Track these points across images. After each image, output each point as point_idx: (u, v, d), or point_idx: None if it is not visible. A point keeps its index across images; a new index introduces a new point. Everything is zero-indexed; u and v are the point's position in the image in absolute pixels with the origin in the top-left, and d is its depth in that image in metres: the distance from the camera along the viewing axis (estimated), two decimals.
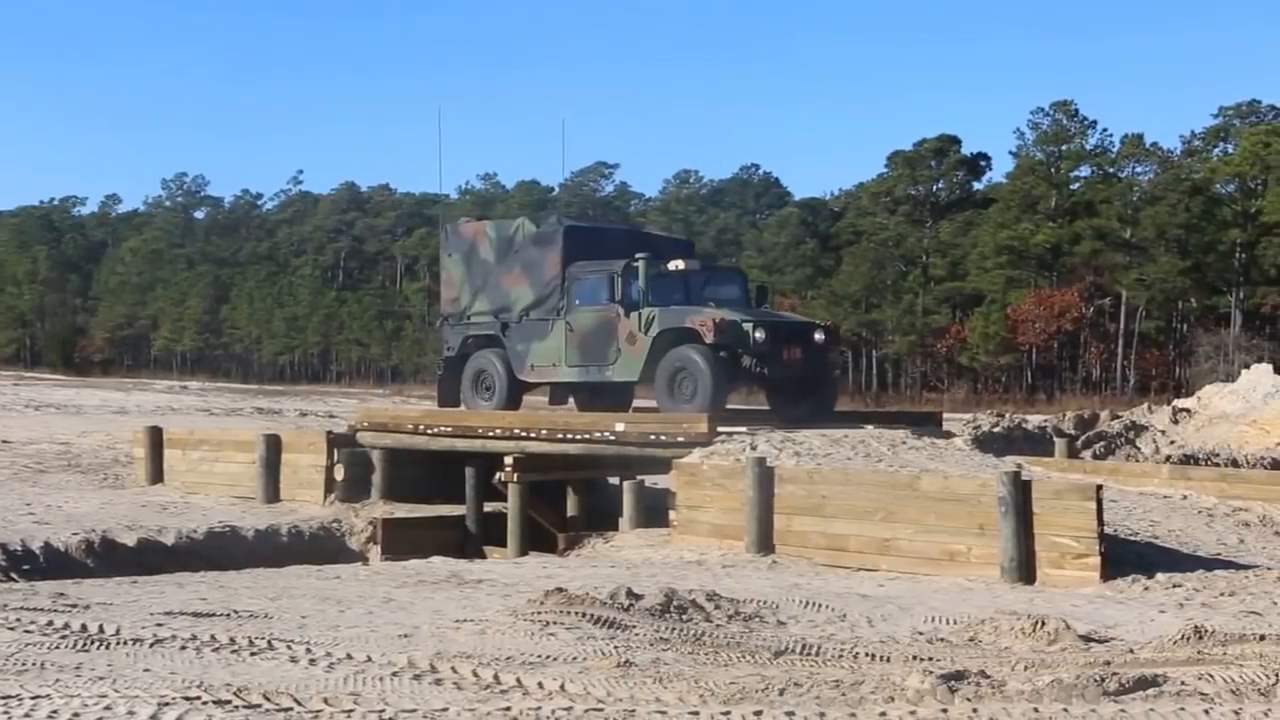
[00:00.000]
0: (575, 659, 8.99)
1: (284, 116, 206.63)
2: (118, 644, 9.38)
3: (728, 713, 7.50)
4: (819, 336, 20.17)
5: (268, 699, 7.67)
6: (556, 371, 21.56)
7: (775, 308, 23.46)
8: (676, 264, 20.73)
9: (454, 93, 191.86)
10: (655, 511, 18.06)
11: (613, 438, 19.35)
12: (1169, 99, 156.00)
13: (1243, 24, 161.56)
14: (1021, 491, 14.00)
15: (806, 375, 20.01)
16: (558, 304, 21.32)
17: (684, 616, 10.88)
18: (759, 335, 19.19)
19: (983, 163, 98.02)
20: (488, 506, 20.82)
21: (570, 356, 21.17)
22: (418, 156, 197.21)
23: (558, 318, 21.29)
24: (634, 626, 10.30)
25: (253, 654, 9.05)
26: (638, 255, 20.57)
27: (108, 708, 7.36)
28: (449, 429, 21.46)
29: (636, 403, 23.21)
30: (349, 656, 8.91)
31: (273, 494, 22.41)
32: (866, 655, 9.45)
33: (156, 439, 24.75)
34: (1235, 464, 23.11)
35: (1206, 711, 7.45)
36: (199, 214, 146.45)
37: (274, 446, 22.71)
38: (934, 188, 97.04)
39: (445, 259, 23.40)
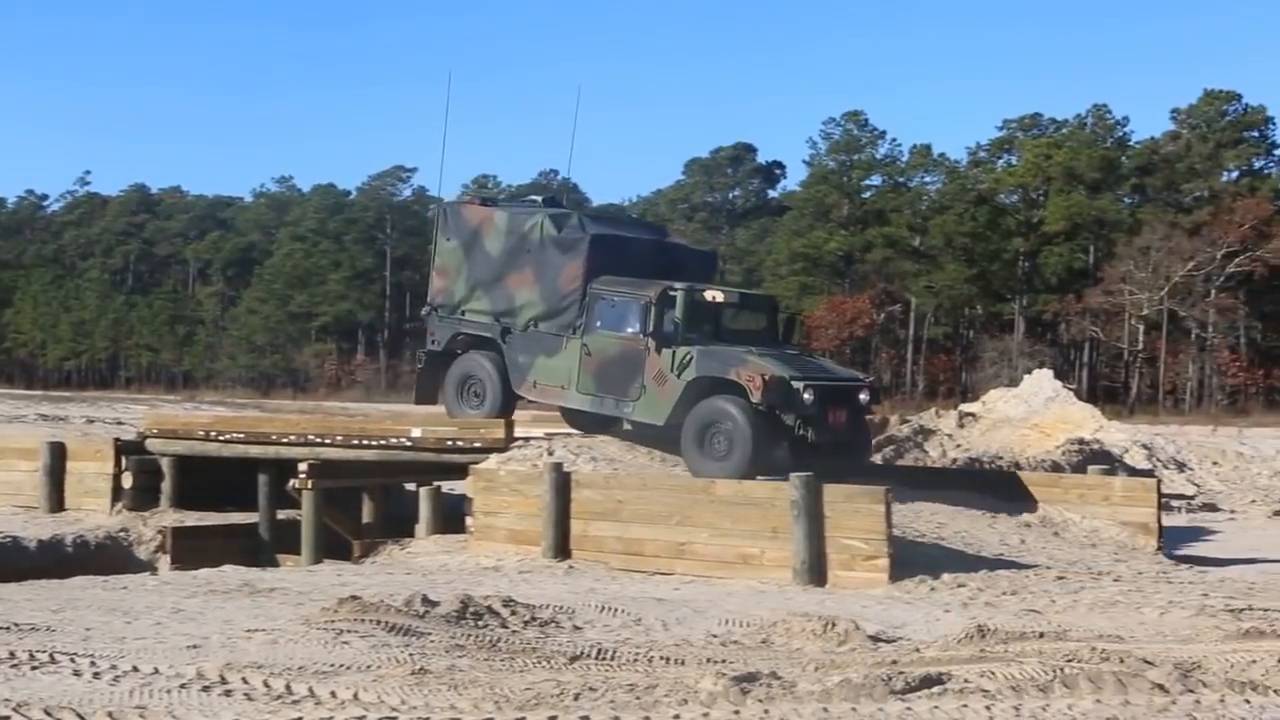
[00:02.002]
0: (369, 667, 8.91)
1: (71, 116, 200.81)
2: None
3: (523, 718, 7.51)
4: (864, 397, 18.03)
5: (49, 714, 7.46)
6: (564, 395, 18.94)
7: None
8: (715, 294, 18.38)
9: (255, 93, 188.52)
10: (452, 518, 17.97)
11: (409, 443, 19.20)
12: (956, 111, 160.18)
13: (1025, 38, 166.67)
14: (813, 495, 14.25)
15: (848, 440, 17.84)
16: (574, 320, 18.61)
17: (480, 623, 10.86)
18: (808, 397, 16.88)
19: (778, 171, 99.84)
20: (281, 514, 20.50)
21: (583, 382, 18.54)
22: (210, 159, 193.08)
23: (573, 336, 18.62)
24: (429, 634, 10.24)
25: (34, 668, 8.79)
26: (675, 285, 18.02)
27: None
28: (242, 435, 21.07)
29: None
30: (135, 669, 8.71)
31: (57, 503, 21.72)
32: (661, 659, 9.53)
33: None
34: (1018, 466, 23.78)
35: (988, 708, 7.67)
36: None
37: (58, 454, 22.03)
38: (730, 195, 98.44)
39: (441, 243, 20.47)
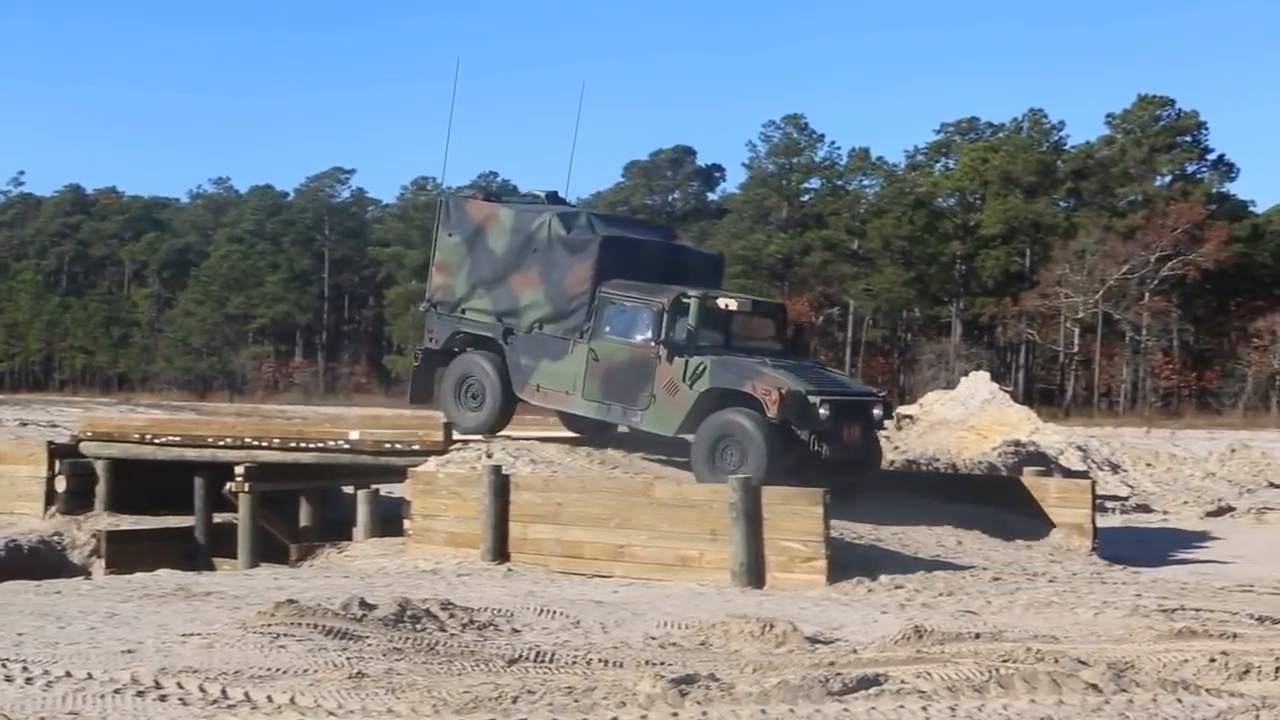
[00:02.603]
0: (306, 671, 8.86)
1: (4, 116, 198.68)
2: None
3: None
4: (877, 412, 17.72)
5: None
6: (569, 400, 18.36)
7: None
8: (728, 302, 17.95)
9: (191, 94, 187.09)
10: (390, 521, 17.91)
11: (347, 446, 19.13)
12: (894, 115, 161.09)
13: (962, 42, 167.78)
14: (752, 497, 14.30)
15: (861, 457, 17.47)
16: (582, 324, 18.05)
17: (418, 626, 10.82)
18: (824, 412, 16.51)
19: (717, 173, 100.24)
20: (218, 518, 20.37)
21: (589, 389, 17.99)
22: (146, 159, 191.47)
23: (580, 340, 18.03)
24: (367, 637, 10.20)
25: None
26: (689, 291, 17.57)
27: None
28: (177, 438, 20.93)
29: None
30: (68, 674, 8.62)
31: None
32: (600, 661, 9.53)
33: None
34: (955, 468, 23.93)
35: (924, 708, 7.71)
36: None
37: None
38: (670, 197, 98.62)
39: (443, 238, 19.68)
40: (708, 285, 18.52)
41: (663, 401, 17.30)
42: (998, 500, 18.78)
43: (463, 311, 19.29)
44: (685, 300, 17.40)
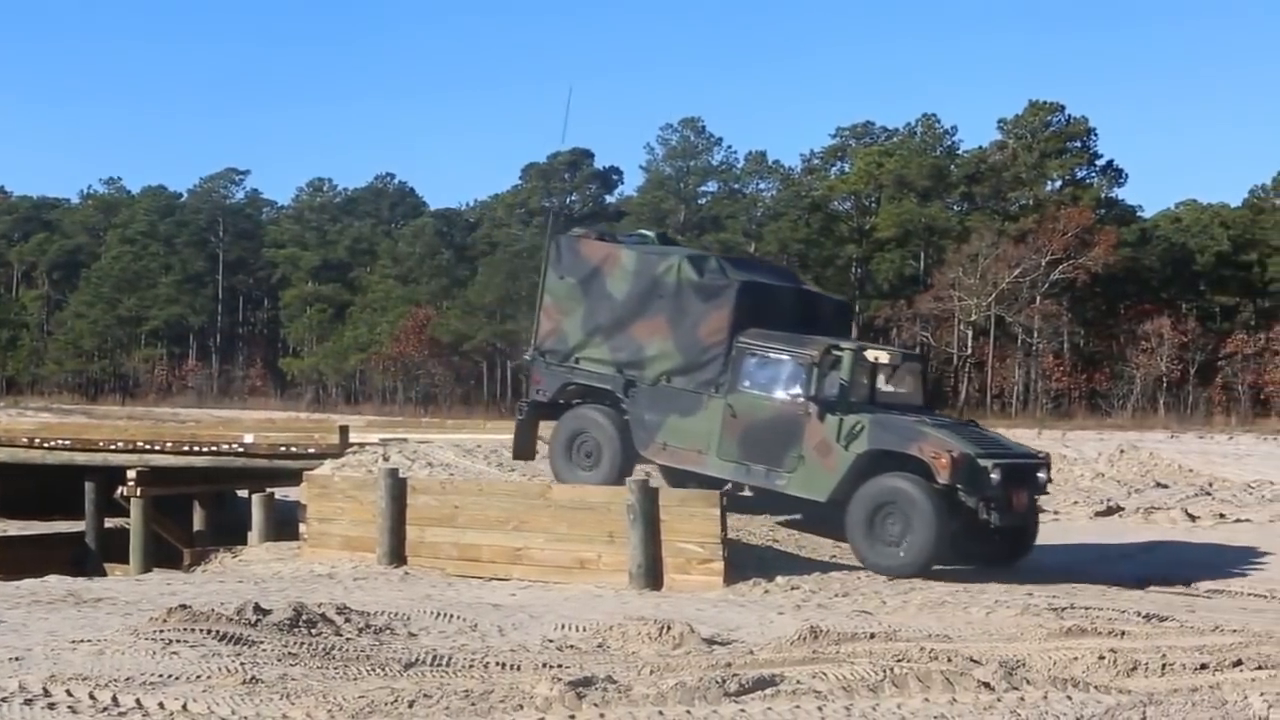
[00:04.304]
0: (199, 677, 8.76)
1: None
2: None
3: None
4: (1042, 475, 16.26)
5: None
6: (701, 460, 16.68)
7: None
8: (878, 354, 16.58)
9: (80, 94, 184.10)
10: (286, 525, 17.79)
11: (242, 450, 18.97)
12: (790, 119, 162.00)
13: (857, 47, 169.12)
14: (649, 499, 14.37)
15: (1023, 524, 16.20)
16: (716, 377, 16.52)
17: (313, 631, 10.74)
18: (995, 477, 15.21)
19: (615, 176, 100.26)
20: (109, 522, 20.16)
21: (725, 448, 16.41)
22: (34, 159, 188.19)
23: (715, 394, 16.49)
24: (261, 642, 10.11)
25: None
26: (841, 343, 16.42)
27: None
28: (67, 442, 20.65)
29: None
30: None
31: None
32: (497, 664, 9.51)
33: None
34: None
35: (820, 708, 7.78)
36: None
37: None
38: (568, 200, 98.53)
39: (554, 281, 17.94)
40: (837, 333, 17.50)
41: (813, 464, 15.80)
42: None
43: (576, 361, 17.69)
44: (837, 352, 16.08)
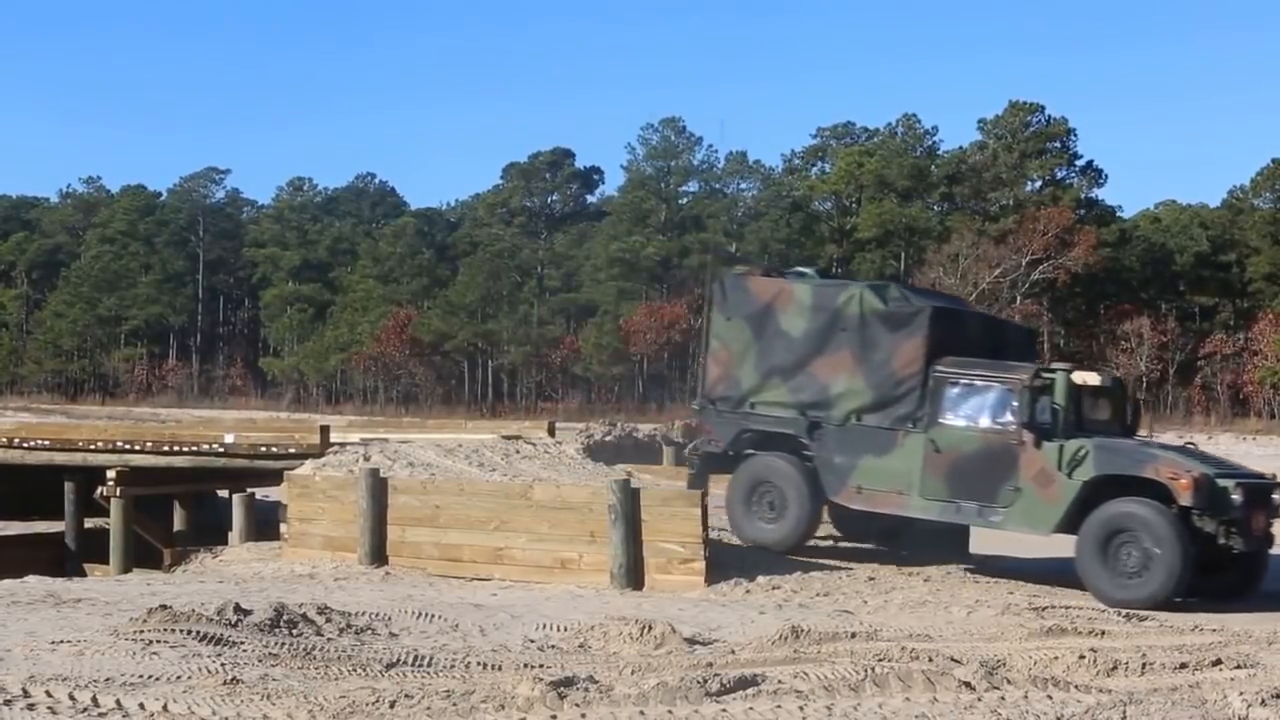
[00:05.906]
0: (180, 678, 8.74)
1: None
2: None
3: None
4: (1276, 497, 15.08)
5: None
6: (903, 502, 15.64)
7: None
8: (1086, 377, 15.67)
9: (60, 92, 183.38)
10: (266, 525, 17.74)
11: (222, 450, 18.93)
12: (771, 118, 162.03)
13: (838, 47, 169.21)
14: (631, 499, 14.37)
15: (1260, 549, 15.05)
16: (914, 411, 15.59)
17: (294, 631, 10.72)
18: (1237, 498, 14.28)
19: (596, 176, 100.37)
20: (89, 523, 20.10)
21: (929, 486, 15.42)
22: (13, 157, 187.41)
23: (913, 429, 15.54)
24: (242, 643, 10.09)
25: None
26: (1051, 366, 15.79)
27: None
28: (47, 442, 20.58)
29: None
30: None
31: None
32: (479, 664, 9.51)
33: None
34: None
35: (801, 708, 7.79)
36: None
37: None
38: (549, 200, 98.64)
39: (720, 322, 17.08)
40: (1026, 361, 16.49)
41: (1032, 495, 14.88)
42: None
43: (751, 406, 16.69)
44: (1048, 376, 15.26)
